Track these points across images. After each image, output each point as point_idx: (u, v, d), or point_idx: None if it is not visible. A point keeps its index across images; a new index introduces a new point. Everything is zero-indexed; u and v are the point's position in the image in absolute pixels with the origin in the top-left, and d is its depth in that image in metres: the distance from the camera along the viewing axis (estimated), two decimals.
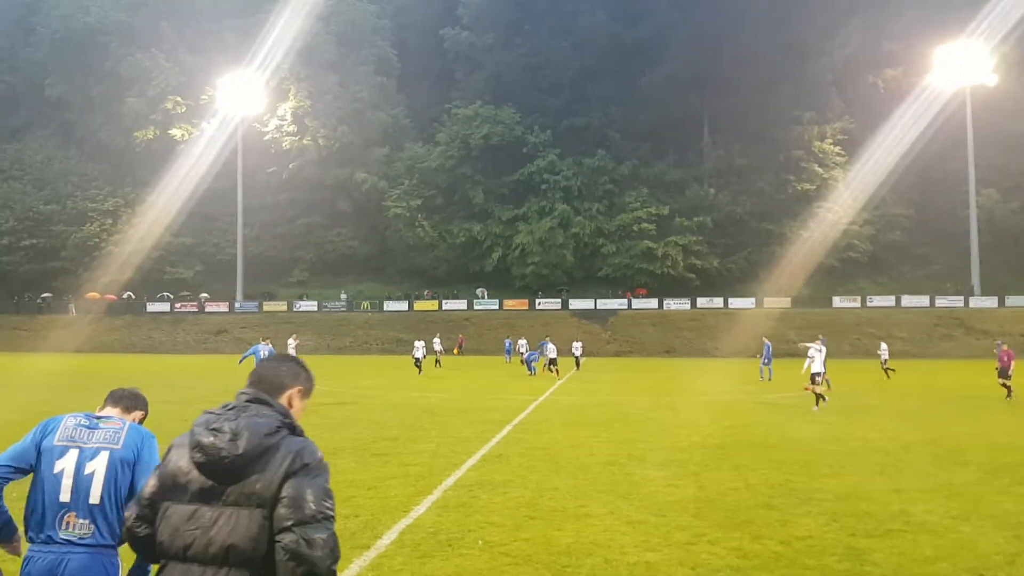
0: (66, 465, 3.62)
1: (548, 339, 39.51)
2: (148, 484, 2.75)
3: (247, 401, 2.76)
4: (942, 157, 68.59)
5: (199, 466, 2.60)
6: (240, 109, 74.74)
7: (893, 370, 35.89)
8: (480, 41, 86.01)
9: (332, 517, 2.58)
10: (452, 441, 15.05)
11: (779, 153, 74.22)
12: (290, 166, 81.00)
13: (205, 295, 76.44)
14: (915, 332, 60.64)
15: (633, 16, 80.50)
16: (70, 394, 24.96)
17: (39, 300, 77.64)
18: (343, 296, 75.44)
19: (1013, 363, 24.32)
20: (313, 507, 2.54)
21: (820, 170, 74.28)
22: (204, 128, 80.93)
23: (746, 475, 11.60)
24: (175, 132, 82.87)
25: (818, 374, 21.57)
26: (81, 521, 3.58)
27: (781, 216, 72.80)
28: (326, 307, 72.85)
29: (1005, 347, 25.19)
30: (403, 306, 72.15)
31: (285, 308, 72.95)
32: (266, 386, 2.84)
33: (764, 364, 33.44)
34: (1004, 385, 24.37)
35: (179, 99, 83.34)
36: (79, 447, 3.68)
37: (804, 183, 73.63)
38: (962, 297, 64.34)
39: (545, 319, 66.60)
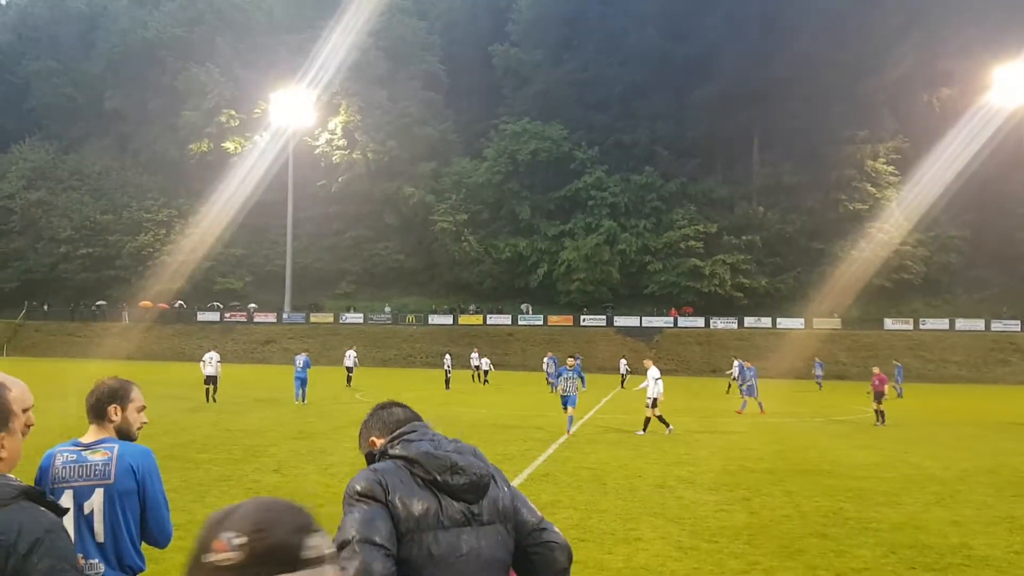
0: (66, 508, 3.49)
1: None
2: (380, 520, 2.42)
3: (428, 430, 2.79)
4: (999, 178, 67.09)
5: (461, 488, 2.55)
6: (292, 123, 75.80)
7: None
8: (528, 57, 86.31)
9: None
10: (498, 459, 14.99)
11: (830, 172, 73.09)
12: (339, 179, 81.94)
13: (254, 305, 77.46)
14: (970, 356, 59.24)
15: (683, 33, 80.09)
16: None
17: (94, 307, 79.38)
18: (387, 309, 75.93)
19: (886, 387, 23.91)
20: (536, 509, 2.76)
21: (872, 189, 72.99)
22: (256, 141, 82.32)
23: (798, 501, 11.39)
24: (228, 145, 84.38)
25: (655, 399, 20.17)
26: (91, 561, 3.40)
27: (832, 235, 71.61)
28: (372, 319, 73.37)
29: (877, 370, 24.98)
30: (448, 320, 72.38)
31: (332, 320, 73.60)
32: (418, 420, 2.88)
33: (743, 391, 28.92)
34: (877, 411, 24.20)
35: (233, 113, 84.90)
36: (72, 487, 3.45)
37: (856, 202, 72.38)
38: (1018, 321, 62.64)
39: (589, 336, 66.37)
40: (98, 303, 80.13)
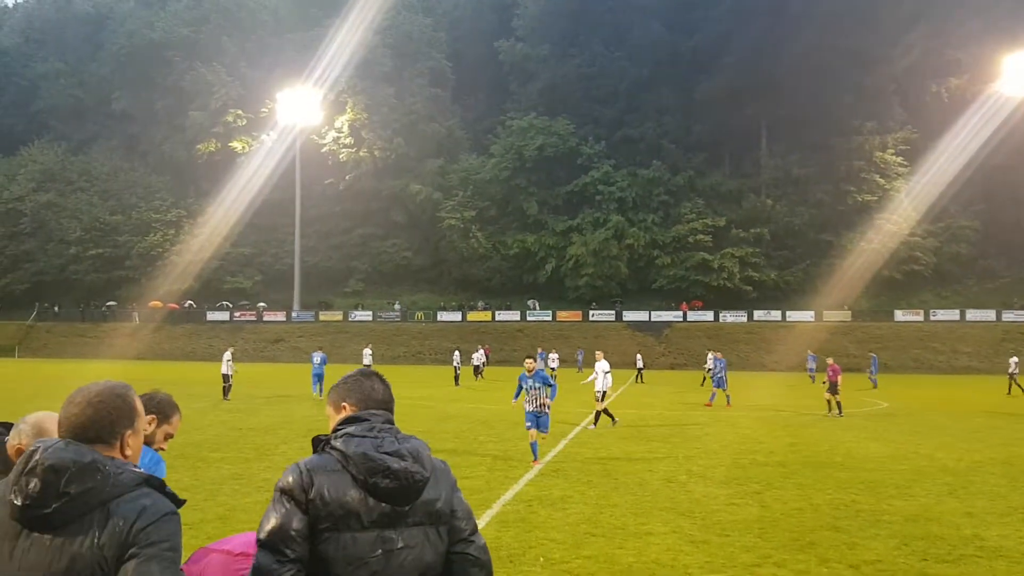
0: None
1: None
2: (294, 519, 2.49)
3: (388, 423, 2.76)
4: (1009, 167, 66.78)
5: (388, 492, 2.56)
6: (298, 121, 75.91)
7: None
8: (535, 52, 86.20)
9: None
10: (508, 454, 15.01)
11: (839, 163, 72.79)
12: (346, 177, 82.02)
13: (263, 304, 77.69)
14: (981, 347, 58.97)
15: (689, 26, 79.90)
16: None
17: (104, 308, 79.74)
18: (397, 306, 76.01)
19: (839, 378, 23.89)
20: (474, 517, 2.80)
21: (881, 181, 72.66)
22: (264, 140, 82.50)
23: (810, 494, 11.34)
24: (235, 144, 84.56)
25: (602, 393, 20.03)
26: None
27: (841, 227, 71.40)
28: (380, 317, 73.47)
29: (831, 361, 24.78)
30: (456, 316, 72.45)
31: (341, 318, 73.72)
32: (389, 406, 2.86)
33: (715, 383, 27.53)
34: (830, 401, 23.92)
35: (240, 112, 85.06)
36: None
37: (865, 194, 72.10)
38: None
39: (599, 330, 66.31)
40: (108, 304, 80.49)
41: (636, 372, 44.19)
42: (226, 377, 27.61)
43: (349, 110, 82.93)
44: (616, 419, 20.22)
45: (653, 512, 9.99)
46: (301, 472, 2.55)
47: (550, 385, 14.53)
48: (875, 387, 37.46)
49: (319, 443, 2.70)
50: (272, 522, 2.49)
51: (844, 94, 71.69)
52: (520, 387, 14.70)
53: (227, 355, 28.49)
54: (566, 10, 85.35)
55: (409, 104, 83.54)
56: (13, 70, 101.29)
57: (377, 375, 2.93)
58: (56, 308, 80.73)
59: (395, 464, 2.56)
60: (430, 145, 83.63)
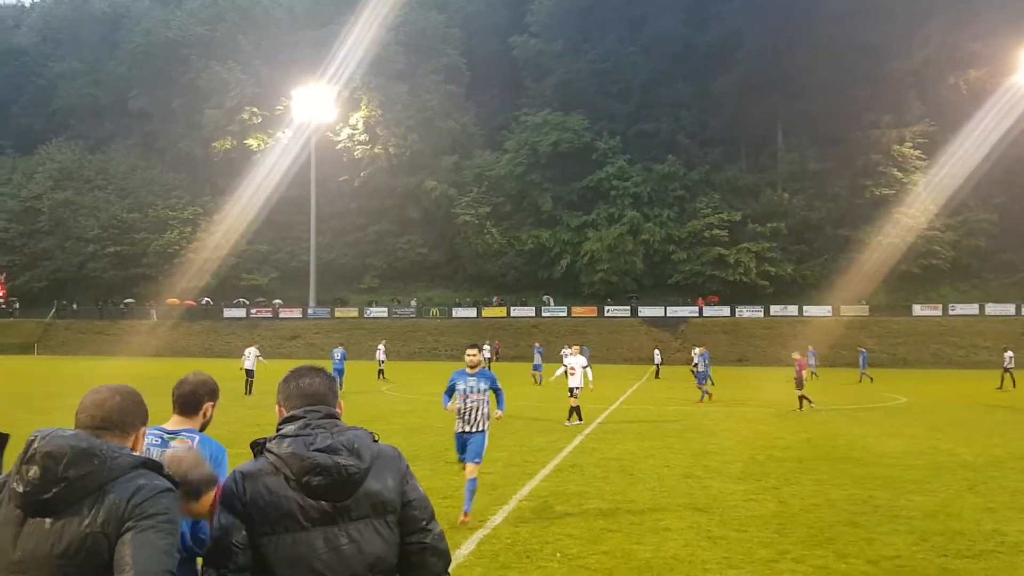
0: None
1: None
2: (234, 530, 2.49)
3: (327, 418, 2.69)
4: None
5: (322, 489, 2.51)
6: (313, 119, 76.05)
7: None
8: (549, 48, 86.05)
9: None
10: (524, 450, 15.02)
11: (856, 157, 72.27)
12: (361, 174, 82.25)
13: (279, 301, 78.03)
14: (1000, 341, 58.24)
15: (704, 19, 79.50)
16: (153, 399, 25.70)
17: (122, 305, 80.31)
18: (412, 303, 76.14)
19: (804, 373, 23.60)
20: (430, 505, 2.73)
21: (899, 174, 72.09)
22: (279, 138, 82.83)
23: (828, 490, 11.29)
24: (251, 142, 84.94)
25: (576, 388, 19.83)
26: None
27: (858, 222, 70.85)
28: (396, 313, 73.64)
29: (797, 355, 24.42)
30: (472, 313, 72.49)
31: (356, 314, 73.96)
32: (322, 399, 2.77)
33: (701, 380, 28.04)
34: (801, 396, 23.49)
35: (255, 110, 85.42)
36: None
37: (882, 188, 71.55)
38: None
39: (614, 326, 66.19)
40: (126, 301, 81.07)
41: (655, 368, 44.17)
42: (249, 372, 28.59)
43: (364, 107, 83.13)
44: (581, 420, 19.84)
45: (670, 508, 9.98)
46: (236, 480, 2.56)
47: (497, 391, 9.88)
48: (871, 380, 37.45)
49: (256, 447, 2.68)
50: (214, 534, 2.53)
51: (860, 87, 71.12)
52: (451, 388, 9.85)
53: (252, 351, 29.74)
54: (580, 5, 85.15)
55: (423, 101, 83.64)
56: (31, 69, 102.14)
57: (312, 370, 2.85)
58: (74, 305, 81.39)
59: (325, 460, 2.51)
60: (444, 141, 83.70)
